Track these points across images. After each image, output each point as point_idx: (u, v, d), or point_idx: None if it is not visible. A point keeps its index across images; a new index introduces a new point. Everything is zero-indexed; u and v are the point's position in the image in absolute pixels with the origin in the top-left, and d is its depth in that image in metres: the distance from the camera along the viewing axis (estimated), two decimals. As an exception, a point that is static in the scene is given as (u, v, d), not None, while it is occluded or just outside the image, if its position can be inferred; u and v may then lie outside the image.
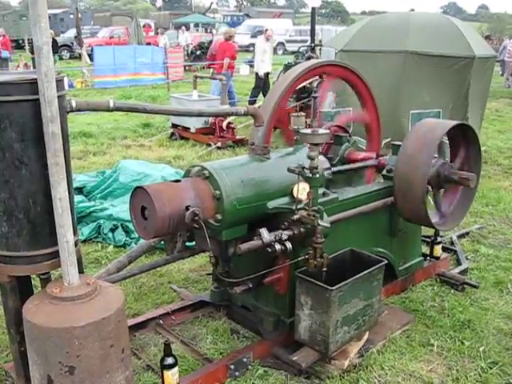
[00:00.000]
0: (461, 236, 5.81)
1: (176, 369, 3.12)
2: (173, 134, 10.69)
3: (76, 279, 2.91)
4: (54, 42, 23.01)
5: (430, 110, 7.23)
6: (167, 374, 3.10)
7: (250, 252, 3.27)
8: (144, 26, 36.66)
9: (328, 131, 3.40)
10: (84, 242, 5.55)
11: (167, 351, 3.10)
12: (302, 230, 3.38)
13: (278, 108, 4.42)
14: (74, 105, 3.03)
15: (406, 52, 7.91)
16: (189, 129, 10.32)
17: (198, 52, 26.32)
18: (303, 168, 3.39)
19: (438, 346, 3.86)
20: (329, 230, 3.44)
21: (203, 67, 25.52)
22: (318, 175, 3.39)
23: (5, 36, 21.35)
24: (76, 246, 3.11)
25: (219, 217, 3.34)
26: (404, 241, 4.49)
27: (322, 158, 3.94)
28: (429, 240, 5.07)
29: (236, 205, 3.36)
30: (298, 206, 3.42)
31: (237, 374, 3.44)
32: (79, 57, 25.95)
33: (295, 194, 3.44)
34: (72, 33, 32.03)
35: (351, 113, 7.24)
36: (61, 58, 29.85)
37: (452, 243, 5.59)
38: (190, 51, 26.14)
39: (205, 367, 3.44)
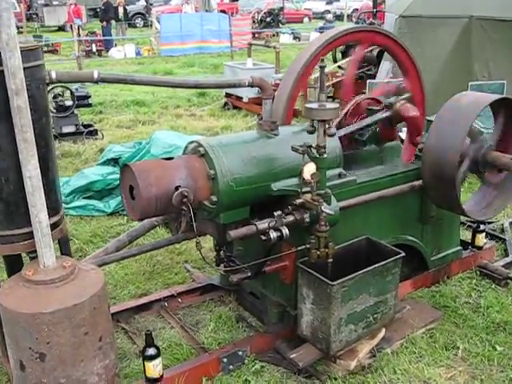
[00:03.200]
0: (515, 223, 5.21)
1: (158, 360, 2.91)
2: (226, 103, 10.45)
3: (52, 262, 2.77)
4: (125, 10, 23.30)
5: (493, 81, 6.52)
6: (148, 365, 2.91)
7: (244, 238, 3.00)
8: (217, -7, 36.35)
9: (337, 105, 3.00)
10: (111, 214, 5.47)
11: (149, 341, 2.90)
12: (305, 215, 3.05)
13: (301, 79, 4.04)
14: (53, 76, 2.84)
15: (471, 17, 7.12)
16: (241, 98, 10.04)
17: (268, 19, 25.76)
18: (309, 147, 3.03)
19: (465, 350, 3.43)
20: (336, 217, 3.08)
21: (273, 34, 25.01)
22: (325, 155, 3.03)
23: (76, 4, 21.76)
24: (58, 225, 2.97)
25: (214, 198, 3.07)
26: (438, 228, 4.03)
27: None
28: (473, 226, 4.55)
29: (233, 186, 3.07)
30: (303, 189, 3.08)
31: (230, 367, 3.19)
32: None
33: (304, 176, 3.11)
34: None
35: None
36: (134, 26, 30.19)
37: (502, 230, 5.02)
38: (259, 18, 25.60)
39: (195, 359, 3.22)
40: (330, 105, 2.99)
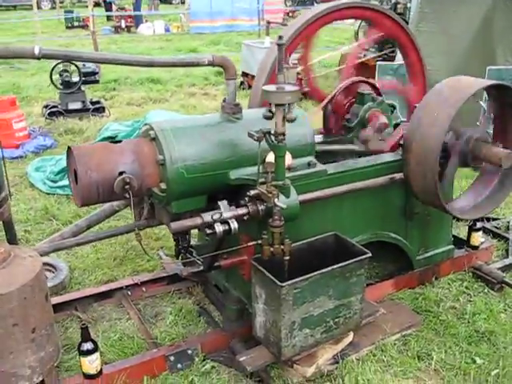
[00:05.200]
0: (523, 220, 4.81)
1: (95, 355, 2.74)
2: (242, 82, 10.15)
3: (-17, 248, 2.60)
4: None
5: (515, 65, 6.05)
6: (84, 360, 2.74)
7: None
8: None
9: (296, 88, 2.70)
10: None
11: (85, 336, 2.72)
12: (260, 208, 2.80)
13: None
14: (-12, 50, 2.64)
15: (497, -4, 6.61)
16: (257, 78, 9.70)
17: (304, -4, 25.24)
18: (267, 133, 2.76)
19: (439, 361, 3.13)
20: (294, 211, 2.82)
21: (308, 13, 24.34)
22: (284, 142, 2.75)
23: (109, -21, 21.70)
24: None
25: (163, 186, 2.84)
26: (425, 225, 3.70)
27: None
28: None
29: (184, 173, 2.83)
30: (260, 180, 2.82)
31: (179, 366, 2.99)
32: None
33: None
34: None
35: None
36: (170, 3, 29.92)
37: (508, 228, 4.63)
38: (295, -4, 25.06)
39: (138, 355, 3.01)
40: (289, 87, 2.70)
